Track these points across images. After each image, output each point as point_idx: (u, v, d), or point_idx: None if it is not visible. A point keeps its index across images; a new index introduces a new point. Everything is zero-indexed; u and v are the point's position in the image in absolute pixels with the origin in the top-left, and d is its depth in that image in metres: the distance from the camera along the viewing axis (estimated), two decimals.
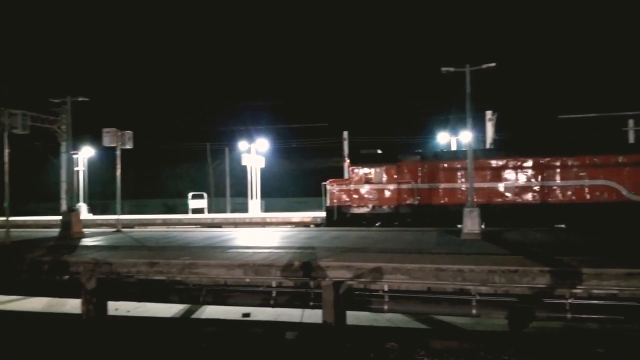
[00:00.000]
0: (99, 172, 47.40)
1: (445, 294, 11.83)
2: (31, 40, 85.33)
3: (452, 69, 16.11)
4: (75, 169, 39.35)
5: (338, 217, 24.03)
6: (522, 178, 22.17)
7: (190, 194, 39.70)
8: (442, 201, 22.98)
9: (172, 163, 58.47)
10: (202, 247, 14.66)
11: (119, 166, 22.34)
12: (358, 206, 23.96)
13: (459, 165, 22.85)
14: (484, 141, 33.08)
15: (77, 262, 12.67)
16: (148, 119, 57.70)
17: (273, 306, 12.90)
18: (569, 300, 10.95)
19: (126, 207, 44.64)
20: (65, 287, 13.85)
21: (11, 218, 17.97)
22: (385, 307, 11.99)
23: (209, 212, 39.91)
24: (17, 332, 12.41)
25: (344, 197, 24.19)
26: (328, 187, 24.64)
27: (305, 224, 28.92)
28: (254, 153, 38.69)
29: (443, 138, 37.47)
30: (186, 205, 39.64)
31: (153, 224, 33.73)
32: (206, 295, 13.31)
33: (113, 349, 11.18)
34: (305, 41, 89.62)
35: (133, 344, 11.45)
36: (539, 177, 21.82)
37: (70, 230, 19.09)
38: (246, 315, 13.78)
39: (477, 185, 21.24)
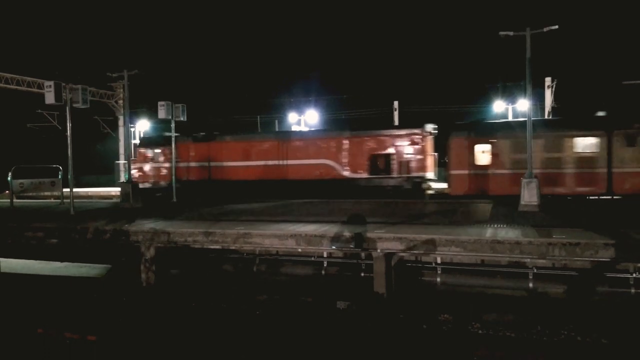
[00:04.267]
0: None
1: (500, 267, 11.61)
2: (88, 16, 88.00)
3: (511, 33, 15.30)
4: (133, 141, 40.77)
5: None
6: (265, 158, 25.33)
7: None
8: (209, 177, 26.24)
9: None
10: (256, 217, 14.89)
11: (173, 138, 22.94)
12: (144, 182, 27.14)
13: (222, 147, 26.28)
14: (542, 109, 31.66)
15: (136, 231, 13.18)
16: (200, 91, 58.70)
17: (324, 276, 13.08)
18: (634, 275, 10.52)
19: None
20: (126, 255, 14.55)
21: (75, 190, 18.88)
22: (438, 279, 11.92)
23: None
24: (82, 296, 13.12)
25: (135, 173, 27.58)
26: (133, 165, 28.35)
27: None
28: (303, 124, 38.72)
29: (498, 106, 36.12)
30: None
31: None
32: (259, 265, 13.64)
33: (170, 315, 11.63)
34: (354, 9, 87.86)
35: (190, 311, 11.88)
36: (278, 157, 24.90)
37: (129, 200, 19.89)
38: (298, 284, 13.96)
39: (226, 164, 25.71)
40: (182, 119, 22.37)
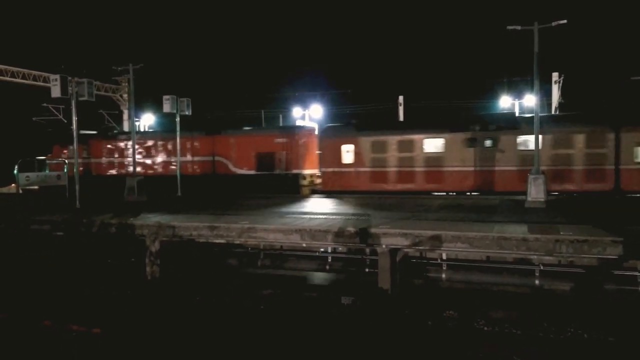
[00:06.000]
0: None
1: (506, 264, 11.56)
2: (93, 10, 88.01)
3: (518, 27, 15.15)
4: None
5: None
6: (164, 155, 27.42)
7: None
8: (114, 172, 28.62)
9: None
10: (260, 212, 14.87)
11: (178, 132, 22.94)
12: None
13: (123, 144, 28.60)
14: (549, 104, 31.42)
15: (141, 225, 13.17)
16: (205, 85, 58.59)
17: (328, 271, 13.07)
18: None
19: None
20: (131, 249, 14.58)
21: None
22: (443, 275, 11.88)
23: None
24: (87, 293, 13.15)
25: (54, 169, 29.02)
26: (47, 160, 30.11)
27: None
28: (308, 119, 38.57)
29: (505, 101, 35.88)
30: None
31: None
32: (264, 259, 13.65)
33: (176, 310, 11.64)
34: (360, 3, 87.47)
35: (194, 305, 11.87)
36: (181, 154, 26.29)
37: (134, 194, 19.93)
38: (302, 279, 13.96)
39: (141, 160, 27.69)
40: (186, 112, 22.40)
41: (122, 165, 28.87)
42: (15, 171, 21.26)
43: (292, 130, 25.34)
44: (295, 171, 24.43)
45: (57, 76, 16.74)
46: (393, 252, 10.99)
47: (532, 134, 19.43)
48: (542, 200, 14.70)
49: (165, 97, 21.50)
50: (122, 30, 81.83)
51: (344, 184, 23.24)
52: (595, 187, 19.09)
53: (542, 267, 11.13)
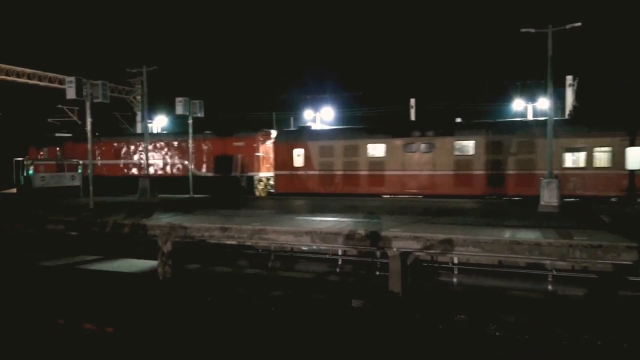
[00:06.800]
0: None
1: (518, 268, 11.45)
2: (106, 14, 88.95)
3: (532, 30, 15.03)
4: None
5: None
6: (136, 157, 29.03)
7: None
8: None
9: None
10: (270, 213, 14.90)
11: (191, 134, 23.09)
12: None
13: (95, 147, 28.96)
14: (562, 108, 31.13)
15: (154, 225, 13.26)
16: (217, 88, 58.81)
17: (339, 274, 13.04)
18: None
19: None
20: (144, 249, 14.69)
21: None
22: (454, 279, 11.81)
23: None
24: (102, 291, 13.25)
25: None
26: (26, 162, 31.27)
27: None
28: (319, 122, 38.60)
29: (518, 105, 35.62)
30: None
31: None
32: (274, 261, 13.66)
33: (187, 310, 11.69)
34: (373, 5, 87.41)
35: (206, 306, 11.91)
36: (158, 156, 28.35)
37: (147, 195, 20.09)
38: (312, 281, 13.94)
39: (103, 162, 29.61)
40: (199, 115, 22.54)
41: (93, 167, 30.04)
42: (30, 172, 21.54)
43: (249, 135, 26.26)
44: (250, 174, 25.45)
45: (72, 78, 16.97)
46: (404, 255, 10.94)
47: (466, 140, 21.25)
48: (556, 204, 14.54)
49: (177, 99, 21.68)
50: (135, 33, 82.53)
51: (296, 187, 24.27)
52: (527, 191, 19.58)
53: (554, 272, 11.01)
